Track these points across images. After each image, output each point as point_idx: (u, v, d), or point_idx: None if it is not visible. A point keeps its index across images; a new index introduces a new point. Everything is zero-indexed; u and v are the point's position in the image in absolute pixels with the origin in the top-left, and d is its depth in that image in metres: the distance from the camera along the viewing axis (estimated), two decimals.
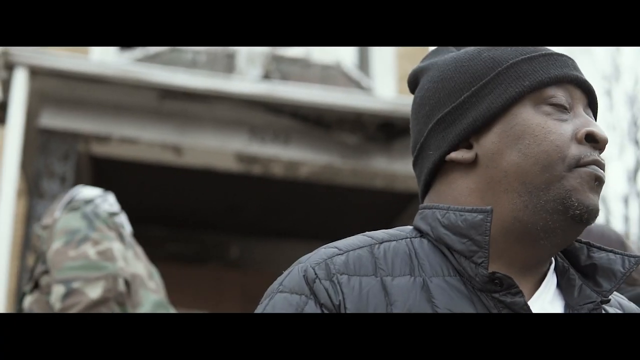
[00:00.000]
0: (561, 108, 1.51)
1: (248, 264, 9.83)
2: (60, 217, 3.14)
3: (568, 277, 1.52)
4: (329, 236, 8.72)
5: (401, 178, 7.74)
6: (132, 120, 7.27)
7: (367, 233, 1.52)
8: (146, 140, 7.29)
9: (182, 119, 7.34)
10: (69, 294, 2.87)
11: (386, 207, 8.89)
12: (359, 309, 1.38)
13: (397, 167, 7.64)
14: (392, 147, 7.59)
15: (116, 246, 3.04)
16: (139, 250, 3.29)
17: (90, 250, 2.97)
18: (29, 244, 6.80)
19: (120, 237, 3.13)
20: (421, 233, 1.52)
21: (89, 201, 3.24)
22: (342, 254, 1.45)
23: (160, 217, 9.46)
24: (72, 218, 3.09)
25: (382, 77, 10.29)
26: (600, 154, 1.49)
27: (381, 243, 1.48)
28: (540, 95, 1.51)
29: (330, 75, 9.02)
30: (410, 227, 1.55)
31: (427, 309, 1.39)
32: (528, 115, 1.50)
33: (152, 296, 3.09)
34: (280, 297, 1.42)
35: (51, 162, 7.01)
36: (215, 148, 7.40)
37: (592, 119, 1.53)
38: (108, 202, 3.32)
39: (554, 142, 1.47)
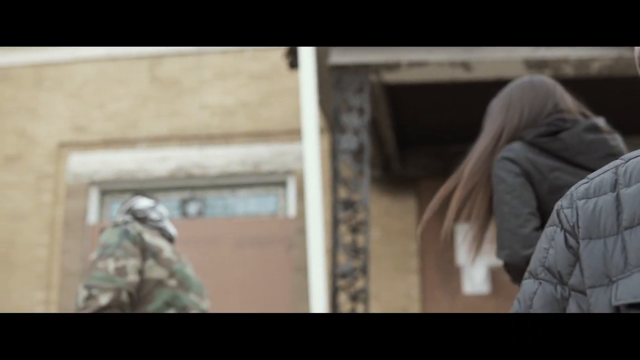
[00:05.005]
0: None
1: None
2: (105, 230, 3.94)
3: None
4: (629, 129, 8.41)
5: None
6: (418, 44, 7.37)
7: (624, 155, 1.62)
8: (434, 61, 7.37)
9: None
10: (88, 297, 3.68)
11: None
12: (589, 226, 1.52)
13: None
14: None
15: (131, 263, 3.81)
16: (166, 254, 3.98)
17: (110, 265, 3.77)
18: (338, 177, 7.12)
19: (143, 251, 3.89)
20: None
21: (140, 210, 4.17)
22: (587, 182, 1.60)
23: (458, 135, 9.56)
24: (110, 234, 3.90)
25: None
26: None
27: (628, 161, 1.58)
28: None
29: None
30: None
31: None
32: None
33: (165, 293, 3.87)
34: (542, 234, 1.63)
35: (347, 97, 7.23)
36: (503, 58, 7.39)
37: None
38: (156, 211, 4.18)
39: None
